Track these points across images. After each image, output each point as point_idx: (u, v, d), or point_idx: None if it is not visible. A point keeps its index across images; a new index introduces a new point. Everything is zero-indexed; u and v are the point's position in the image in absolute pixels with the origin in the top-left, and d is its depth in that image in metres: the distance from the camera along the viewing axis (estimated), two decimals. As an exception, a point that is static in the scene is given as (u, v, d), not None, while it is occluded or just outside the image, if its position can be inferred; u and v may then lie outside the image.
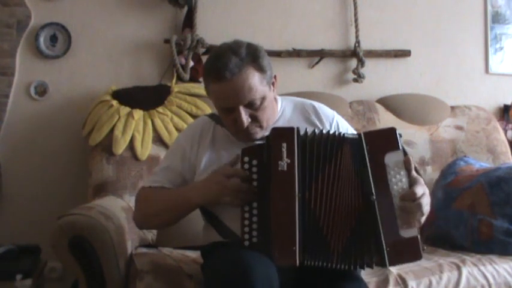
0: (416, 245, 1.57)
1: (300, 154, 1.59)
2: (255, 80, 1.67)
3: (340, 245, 1.57)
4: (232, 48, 1.68)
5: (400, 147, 1.60)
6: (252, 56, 1.68)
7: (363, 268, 1.61)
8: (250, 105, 1.68)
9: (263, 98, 1.70)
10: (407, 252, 1.58)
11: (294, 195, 1.57)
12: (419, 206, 1.56)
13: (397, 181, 1.58)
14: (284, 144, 1.58)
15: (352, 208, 1.59)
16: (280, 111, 1.84)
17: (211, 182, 1.66)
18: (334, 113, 1.89)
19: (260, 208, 1.60)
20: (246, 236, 1.59)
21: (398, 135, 1.62)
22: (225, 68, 1.64)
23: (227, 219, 1.71)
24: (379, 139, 1.63)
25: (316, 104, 1.88)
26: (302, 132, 1.63)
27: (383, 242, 1.56)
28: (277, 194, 1.57)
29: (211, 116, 1.88)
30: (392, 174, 1.59)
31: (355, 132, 1.76)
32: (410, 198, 1.56)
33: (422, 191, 1.58)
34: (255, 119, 1.71)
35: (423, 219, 1.60)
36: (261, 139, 1.72)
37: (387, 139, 1.62)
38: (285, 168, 1.57)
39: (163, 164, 1.87)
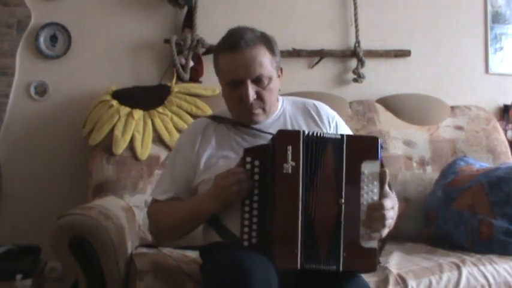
0: (373, 257, 1.57)
1: (305, 157, 1.58)
2: (266, 59, 1.74)
3: (327, 247, 1.57)
4: (249, 28, 1.78)
5: (379, 158, 1.59)
6: (266, 38, 1.77)
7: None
8: (258, 81, 1.73)
9: (270, 79, 1.75)
10: (362, 262, 1.58)
11: (297, 198, 1.56)
12: (383, 217, 1.55)
13: (369, 190, 1.58)
14: (289, 147, 1.57)
15: (334, 211, 1.58)
16: (281, 109, 1.85)
17: (215, 186, 1.66)
18: (335, 114, 1.90)
19: (260, 209, 1.59)
20: (246, 237, 1.59)
21: (379, 146, 1.60)
22: (241, 38, 1.72)
23: (227, 220, 1.71)
24: (359, 145, 1.61)
25: (318, 103, 1.90)
26: (306, 134, 1.62)
27: (341, 246, 1.56)
28: (281, 196, 1.57)
29: (212, 117, 1.89)
30: (366, 183, 1.58)
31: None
32: (378, 208, 1.56)
33: (391, 204, 1.59)
34: (260, 98, 1.74)
35: (385, 232, 1.59)
36: (262, 131, 1.75)
37: (368, 147, 1.60)
38: (290, 171, 1.56)
39: (167, 170, 1.88)
